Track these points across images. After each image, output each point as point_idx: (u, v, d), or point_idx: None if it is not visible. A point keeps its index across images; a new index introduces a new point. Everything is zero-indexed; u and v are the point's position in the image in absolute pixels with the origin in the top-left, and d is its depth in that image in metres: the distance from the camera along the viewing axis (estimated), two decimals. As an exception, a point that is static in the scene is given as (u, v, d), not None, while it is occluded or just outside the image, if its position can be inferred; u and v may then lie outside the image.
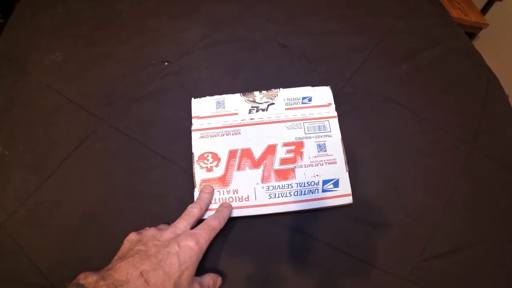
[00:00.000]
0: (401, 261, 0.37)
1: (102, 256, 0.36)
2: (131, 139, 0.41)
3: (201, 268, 0.33)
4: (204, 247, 0.31)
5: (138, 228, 0.33)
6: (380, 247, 0.37)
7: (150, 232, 0.31)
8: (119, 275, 0.26)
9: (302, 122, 0.40)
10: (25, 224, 0.38)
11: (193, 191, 0.37)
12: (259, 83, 0.45)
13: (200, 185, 0.37)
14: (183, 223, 0.32)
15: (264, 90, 0.42)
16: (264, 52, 0.48)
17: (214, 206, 0.36)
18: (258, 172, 0.38)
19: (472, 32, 1.18)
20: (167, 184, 0.39)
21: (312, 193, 0.37)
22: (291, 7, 0.52)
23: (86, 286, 0.26)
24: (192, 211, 0.34)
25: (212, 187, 0.37)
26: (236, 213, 0.36)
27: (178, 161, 0.40)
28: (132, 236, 0.31)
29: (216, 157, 0.38)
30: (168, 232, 0.31)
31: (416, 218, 0.38)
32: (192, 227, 0.33)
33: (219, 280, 0.34)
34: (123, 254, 0.29)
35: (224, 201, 0.36)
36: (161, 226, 0.33)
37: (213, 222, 0.33)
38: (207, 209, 0.36)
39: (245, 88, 0.43)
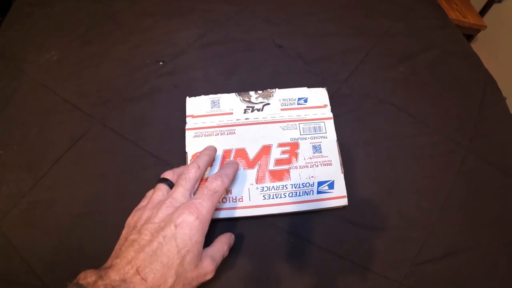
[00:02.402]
0: (395, 264, 0.36)
1: (96, 256, 0.36)
2: (124, 139, 0.41)
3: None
4: (208, 217, 0.27)
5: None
6: (374, 250, 0.37)
7: (145, 213, 0.28)
8: (116, 274, 0.25)
9: (297, 123, 0.40)
10: (18, 224, 0.38)
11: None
12: (254, 84, 0.44)
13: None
14: (179, 190, 0.29)
15: (259, 90, 0.42)
16: (259, 53, 0.48)
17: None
18: (253, 172, 0.37)
19: (470, 34, 1.18)
20: (161, 185, 0.39)
21: (307, 194, 0.37)
22: (287, 8, 0.52)
23: (85, 286, 0.25)
24: (188, 174, 0.29)
25: (214, 146, 0.34)
26: (229, 214, 0.36)
27: (171, 162, 0.40)
28: (130, 218, 0.29)
29: (210, 157, 0.38)
30: (163, 208, 0.27)
31: (411, 222, 0.38)
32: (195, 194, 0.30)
33: (232, 238, 0.31)
34: (119, 247, 0.28)
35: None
36: (156, 195, 0.30)
37: (215, 184, 0.29)
38: (206, 168, 0.32)
39: (240, 89, 0.43)
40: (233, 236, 0.32)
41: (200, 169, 0.31)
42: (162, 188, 0.30)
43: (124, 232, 0.29)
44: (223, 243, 0.31)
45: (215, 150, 0.34)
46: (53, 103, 0.44)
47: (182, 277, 0.26)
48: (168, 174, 0.31)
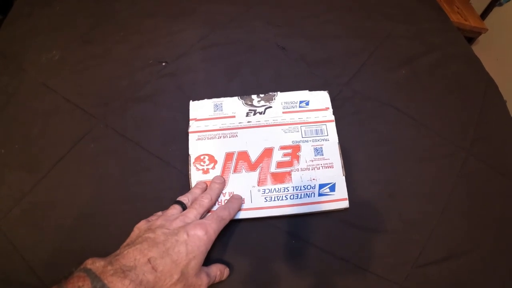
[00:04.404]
0: (396, 266, 0.36)
1: (97, 257, 0.36)
2: (127, 139, 0.41)
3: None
4: (213, 237, 0.31)
5: (131, 230, 0.32)
6: (375, 253, 0.37)
7: (159, 221, 0.31)
8: (127, 261, 0.26)
9: (299, 125, 0.40)
10: (19, 224, 0.38)
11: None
12: (256, 85, 0.45)
13: (196, 187, 0.37)
14: (193, 212, 0.32)
15: (261, 92, 0.42)
16: (262, 55, 0.48)
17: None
18: (255, 175, 0.37)
19: (471, 37, 1.19)
20: (163, 186, 0.39)
21: (308, 196, 0.37)
22: (290, 9, 0.52)
23: (94, 270, 0.26)
24: (203, 201, 0.34)
25: (223, 178, 0.37)
26: None
27: (174, 163, 0.40)
28: (142, 223, 0.32)
29: (212, 159, 0.38)
30: (177, 221, 0.31)
31: (411, 224, 0.38)
32: (201, 217, 0.33)
33: (226, 271, 0.34)
34: (132, 241, 0.29)
35: (219, 203, 0.36)
36: (171, 211, 0.33)
37: (223, 213, 0.33)
38: (217, 200, 0.36)
39: (242, 91, 0.43)
40: (228, 269, 0.34)
41: (212, 200, 0.35)
42: (176, 207, 0.33)
43: (134, 233, 0.31)
44: (218, 268, 0.33)
45: (224, 182, 0.37)
46: (54, 103, 0.44)
47: (184, 277, 0.28)
48: (183, 198, 0.35)
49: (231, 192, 0.37)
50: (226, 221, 0.33)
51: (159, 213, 0.34)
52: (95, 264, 0.26)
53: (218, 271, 0.33)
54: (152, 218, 0.33)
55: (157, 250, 0.27)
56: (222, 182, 0.37)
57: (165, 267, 0.27)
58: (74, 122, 0.43)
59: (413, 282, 0.36)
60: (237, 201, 0.36)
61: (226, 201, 0.36)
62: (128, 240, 0.30)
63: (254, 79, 0.46)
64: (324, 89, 0.43)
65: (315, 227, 0.37)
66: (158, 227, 0.30)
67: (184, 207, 0.34)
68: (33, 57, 0.48)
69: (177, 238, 0.29)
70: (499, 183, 0.42)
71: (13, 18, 0.54)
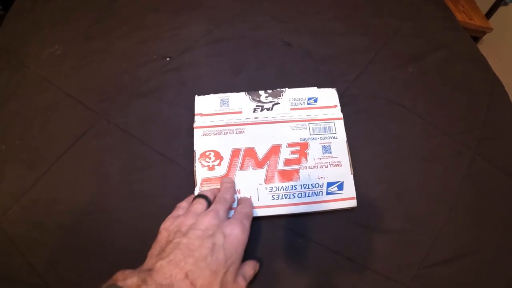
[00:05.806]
0: (402, 267, 0.36)
1: (98, 255, 0.35)
2: (129, 135, 0.40)
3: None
4: (248, 234, 0.29)
5: (133, 228, 0.32)
6: (381, 253, 0.36)
7: (188, 219, 0.28)
8: (162, 278, 0.24)
9: (307, 123, 0.39)
10: (19, 221, 0.37)
11: (193, 190, 0.36)
12: (261, 81, 0.44)
13: (201, 184, 0.36)
14: (221, 207, 0.30)
15: (267, 89, 0.41)
16: (267, 50, 0.47)
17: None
18: (262, 172, 0.37)
19: (476, 36, 1.18)
20: (166, 183, 0.38)
21: (316, 195, 0.36)
22: (296, 5, 0.52)
23: None
24: (226, 197, 0.32)
25: (232, 179, 0.36)
26: None
27: (177, 160, 0.39)
28: (168, 223, 0.29)
29: (218, 156, 0.37)
30: (209, 218, 0.28)
31: (418, 224, 0.38)
32: None
33: (257, 266, 0.32)
34: (162, 248, 0.27)
35: None
36: (197, 206, 0.30)
37: (247, 210, 0.31)
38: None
39: (247, 87, 0.42)
40: (258, 263, 0.32)
41: (232, 197, 0.34)
42: (202, 202, 0.31)
43: (162, 236, 0.28)
44: (251, 266, 0.31)
45: (234, 182, 0.36)
46: (56, 98, 0.44)
47: (224, 287, 0.26)
48: (206, 192, 0.33)
49: (237, 190, 0.36)
50: (250, 220, 0.31)
51: (182, 204, 0.32)
52: (127, 282, 0.23)
53: (251, 270, 0.30)
54: (178, 212, 0.30)
55: (193, 261, 0.25)
56: (232, 181, 0.36)
57: (204, 280, 0.24)
58: (76, 118, 0.42)
59: (420, 282, 0.36)
60: (249, 201, 0.35)
61: None
62: (157, 246, 0.27)
63: (259, 75, 0.45)
64: (330, 86, 0.42)
65: (321, 226, 0.37)
66: (190, 228, 0.27)
67: (209, 202, 0.31)
68: (35, 52, 0.48)
69: (214, 240, 0.26)
70: (505, 183, 0.41)
71: (15, 12, 0.54)
